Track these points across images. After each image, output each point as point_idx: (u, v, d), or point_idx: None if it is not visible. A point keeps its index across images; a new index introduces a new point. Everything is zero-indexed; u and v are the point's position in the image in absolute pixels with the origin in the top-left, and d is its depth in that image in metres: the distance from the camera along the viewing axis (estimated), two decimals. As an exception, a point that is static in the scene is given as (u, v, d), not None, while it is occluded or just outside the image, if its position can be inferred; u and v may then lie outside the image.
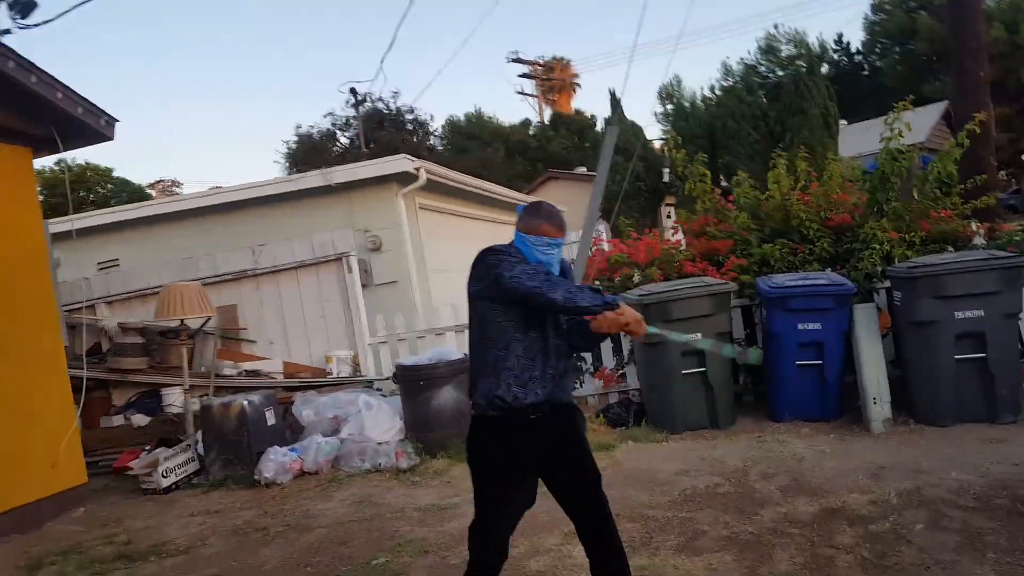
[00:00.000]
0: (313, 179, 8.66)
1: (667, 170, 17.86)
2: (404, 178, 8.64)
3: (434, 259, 9.50)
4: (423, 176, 8.63)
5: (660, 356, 5.67)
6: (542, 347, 2.62)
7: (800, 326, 5.45)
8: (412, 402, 6.06)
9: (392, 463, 5.74)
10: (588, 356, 6.76)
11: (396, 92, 26.39)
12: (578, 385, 6.77)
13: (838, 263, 6.16)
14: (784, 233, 6.28)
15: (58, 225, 8.04)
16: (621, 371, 6.69)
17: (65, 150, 6.08)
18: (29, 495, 5.41)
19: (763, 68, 29.61)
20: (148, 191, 30.04)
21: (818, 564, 3.28)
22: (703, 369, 5.66)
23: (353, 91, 23.15)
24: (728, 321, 5.81)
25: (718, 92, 19.31)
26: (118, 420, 7.69)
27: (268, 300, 8.27)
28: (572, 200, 17.60)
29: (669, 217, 18.69)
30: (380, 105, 24.95)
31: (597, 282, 6.71)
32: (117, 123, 6.26)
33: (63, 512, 5.65)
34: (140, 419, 7.56)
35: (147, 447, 6.85)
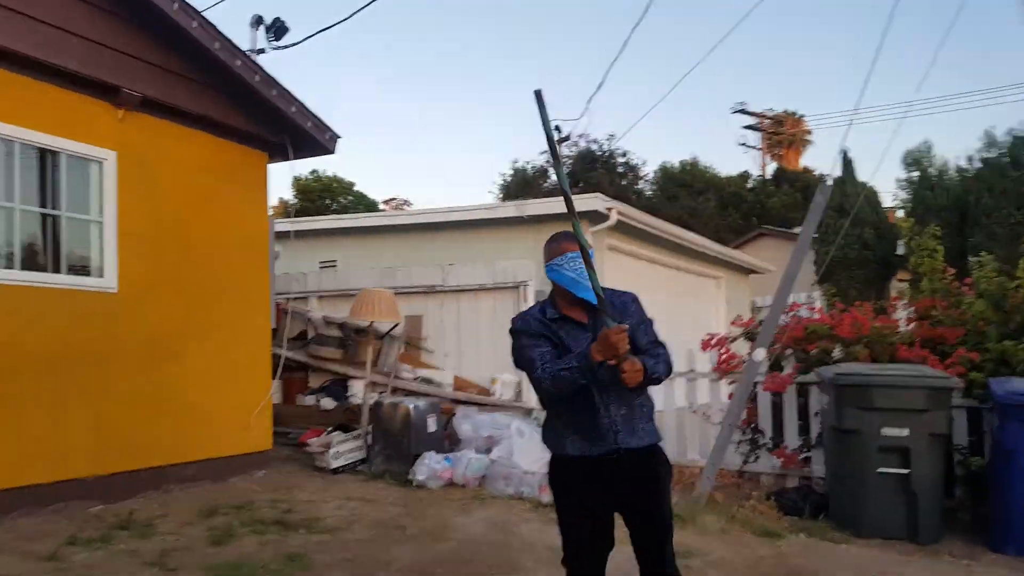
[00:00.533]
0: (508, 209, 8.96)
1: (903, 241, 16.17)
2: (595, 217, 8.56)
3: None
4: (614, 216, 8.50)
5: (853, 445, 4.96)
6: (593, 399, 2.55)
7: (1041, 443, 4.51)
8: (568, 438, 5.85)
9: (535, 494, 5.60)
10: (767, 429, 6.14)
11: (612, 135, 26.41)
12: (752, 459, 6.17)
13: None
14: (1030, 331, 5.28)
15: (284, 225, 8.99)
16: (806, 453, 6.00)
17: (295, 159, 6.77)
18: (221, 450, 6.04)
19: (1032, 138, 26.00)
20: (382, 207, 32.74)
21: None
22: (906, 471, 4.86)
23: (557, 128, 23.56)
24: (947, 422, 4.95)
25: (976, 163, 17.03)
26: (310, 400, 8.40)
27: (448, 316, 8.67)
28: (783, 261, 16.51)
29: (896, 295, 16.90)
30: (594, 146, 25.18)
31: (789, 350, 6.09)
32: (339, 139, 6.94)
33: (247, 471, 6.23)
34: (327, 403, 8.20)
35: (328, 429, 7.33)
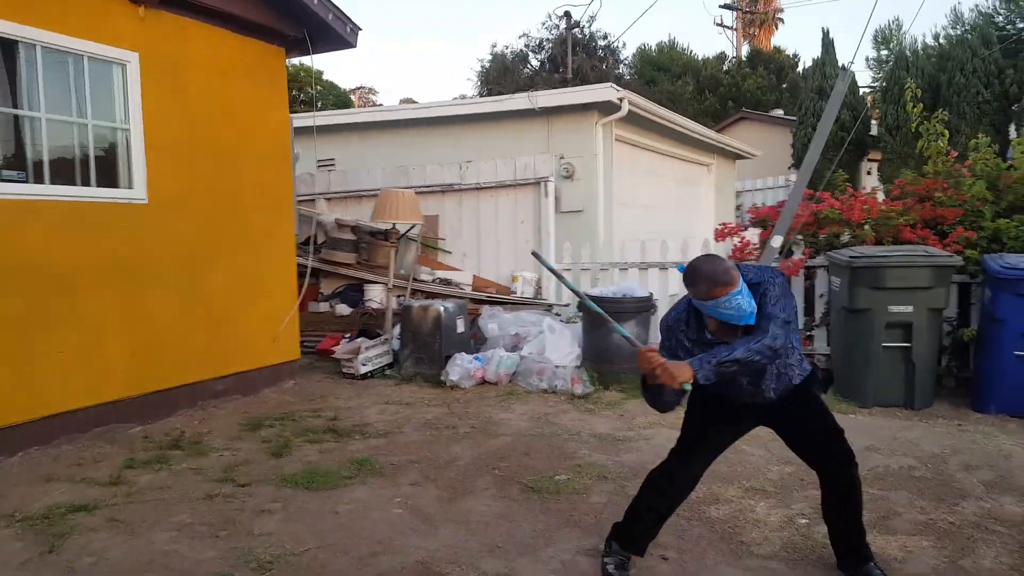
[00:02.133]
0: (518, 101, 8.79)
1: (875, 122, 16.34)
2: (606, 107, 8.56)
3: (622, 193, 9.45)
4: (625, 107, 8.50)
5: (860, 323, 5.38)
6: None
7: (1031, 314, 4.95)
8: (593, 332, 6.21)
9: (567, 387, 5.96)
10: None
11: (592, 17, 25.74)
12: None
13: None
14: (1022, 209, 5.62)
15: (298, 120, 8.79)
16: (810, 333, 6.44)
17: (314, 53, 6.55)
18: (252, 363, 6.18)
19: (1001, 18, 25.78)
20: (351, 96, 31.75)
21: (1028, 569, 3.08)
22: (907, 344, 5.31)
23: (568, 14, 22.83)
24: (945, 297, 5.37)
25: (942, 41, 16.97)
26: (323, 307, 8.53)
27: (467, 215, 8.69)
28: (764, 144, 16.65)
29: (869, 174, 17.23)
30: (575, 30, 24.47)
31: (800, 236, 6.40)
32: (360, 31, 6.65)
33: (277, 382, 6.43)
34: (343, 309, 8.33)
35: (347, 335, 7.56)
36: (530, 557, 3.18)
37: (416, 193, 8.16)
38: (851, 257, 5.36)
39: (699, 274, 2.57)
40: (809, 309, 6.50)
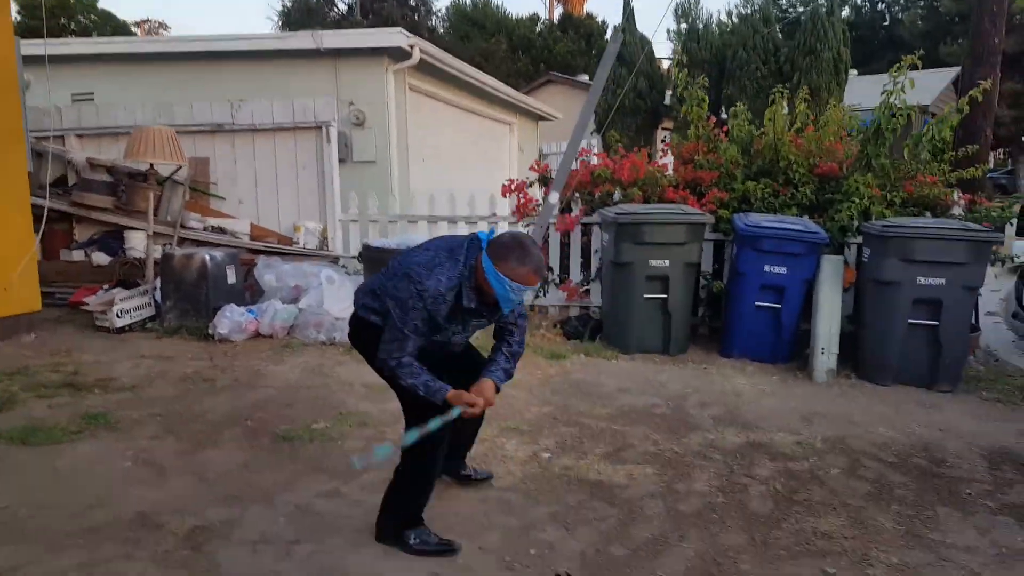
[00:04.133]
0: (303, 40, 8.25)
1: (670, 92, 17.47)
2: (397, 54, 8.30)
3: (418, 146, 9.29)
4: (416, 55, 8.29)
5: (625, 276, 5.72)
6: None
7: (766, 268, 5.51)
8: (375, 282, 6.07)
9: (346, 340, 5.78)
10: (555, 267, 6.79)
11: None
12: (542, 294, 6.83)
13: (817, 212, 6.17)
14: (770, 173, 6.24)
15: (31, 47, 7.66)
16: (586, 287, 6.76)
17: None
18: (-21, 313, 5.38)
19: (784, 1, 28.66)
20: (133, 29, 28.63)
21: (732, 489, 3.44)
22: (665, 296, 5.73)
23: None
24: (699, 253, 5.84)
25: (735, 19, 18.61)
26: (78, 255, 7.63)
27: (242, 159, 8.11)
28: (569, 107, 17.20)
29: (664, 141, 18.44)
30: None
31: (577, 193, 6.66)
32: None
33: (13, 335, 5.68)
34: (100, 257, 7.49)
35: (105, 286, 6.84)
36: (264, 504, 3.05)
37: (183, 133, 7.49)
38: (616, 214, 5.65)
39: (531, 258, 2.49)
40: (587, 264, 6.81)
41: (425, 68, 8.91)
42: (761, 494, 3.41)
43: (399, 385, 2.63)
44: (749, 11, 18.29)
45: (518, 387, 4.82)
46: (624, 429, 4.13)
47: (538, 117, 14.50)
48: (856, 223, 5.85)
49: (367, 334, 2.74)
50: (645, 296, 5.73)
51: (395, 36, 8.14)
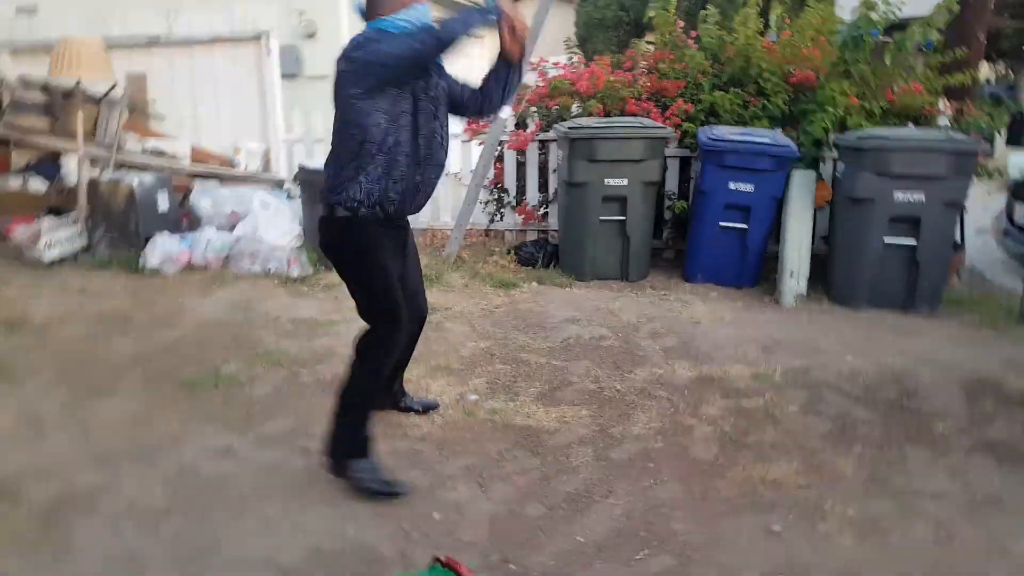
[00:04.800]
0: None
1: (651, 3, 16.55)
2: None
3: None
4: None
5: (579, 197, 5.30)
6: (419, 154, 2.57)
7: (732, 185, 5.09)
8: (313, 208, 5.65)
9: (283, 270, 5.43)
10: (511, 188, 6.34)
11: None
12: (498, 217, 6.42)
13: (791, 124, 5.68)
14: (741, 83, 5.72)
15: None
16: (544, 209, 6.34)
17: None
18: None
19: None
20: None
21: (673, 431, 3.15)
22: (623, 218, 5.33)
23: None
24: (659, 170, 5.40)
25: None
26: (14, 183, 7.13)
27: (180, 75, 7.52)
28: (549, 21, 16.31)
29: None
30: None
31: (534, 108, 6.16)
32: None
33: (-73, 272, 5.29)
34: (37, 184, 7.01)
35: (39, 215, 6.43)
36: (144, 464, 2.75)
37: (119, 47, 6.91)
38: (568, 128, 5.19)
39: None
40: (546, 186, 6.37)
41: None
42: (706, 437, 3.12)
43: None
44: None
45: (457, 320, 4.50)
46: (564, 364, 3.82)
47: (511, 27, 13.68)
48: (831, 135, 5.39)
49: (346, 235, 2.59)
50: (601, 219, 5.32)
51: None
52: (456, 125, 6.56)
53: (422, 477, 2.72)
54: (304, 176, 5.57)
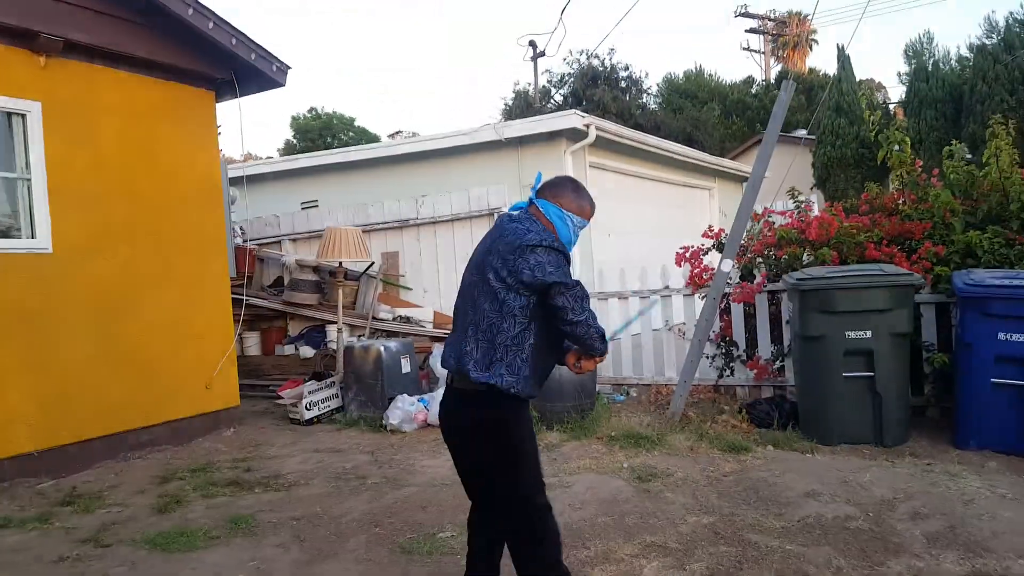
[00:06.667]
0: (485, 133, 8.56)
1: (871, 134, 15.65)
2: (573, 135, 8.28)
3: (604, 221, 9.03)
4: (592, 133, 8.20)
5: (818, 351, 4.84)
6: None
7: (1002, 336, 4.35)
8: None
9: (507, 429, 5.52)
10: (740, 342, 6.02)
11: (612, 49, 25.36)
12: (727, 372, 6.08)
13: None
14: (1000, 219, 5.02)
15: (250, 169, 8.78)
16: (780, 362, 5.88)
17: (242, 95, 6.46)
18: (183, 411, 5.96)
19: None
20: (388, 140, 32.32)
21: (942, 648, 2.54)
22: (871, 374, 4.74)
23: (532, 44, 22.39)
24: (908, 320, 4.78)
25: (972, 52, 16.27)
26: (289, 350, 8.34)
27: (426, 250, 8.50)
28: (781, 164, 16.00)
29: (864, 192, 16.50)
30: (595, 62, 24.16)
31: (760, 259, 5.91)
32: (289, 70, 6.55)
33: (215, 430, 6.18)
34: (306, 351, 8.13)
35: (305, 378, 7.31)
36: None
37: (376, 230, 7.98)
38: (798, 280, 4.85)
39: (584, 191, 2.62)
40: (778, 338, 5.95)
41: (604, 144, 8.82)
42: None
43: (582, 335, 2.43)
44: (994, 40, 15.83)
45: (678, 488, 4.19)
46: (801, 550, 3.32)
47: (742, 179, 13.62)
48: None
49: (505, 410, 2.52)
50: (845, 375, 4.78)
51: (570, 118, 8.18)
52: (680, 279, 6.50)
53: None
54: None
